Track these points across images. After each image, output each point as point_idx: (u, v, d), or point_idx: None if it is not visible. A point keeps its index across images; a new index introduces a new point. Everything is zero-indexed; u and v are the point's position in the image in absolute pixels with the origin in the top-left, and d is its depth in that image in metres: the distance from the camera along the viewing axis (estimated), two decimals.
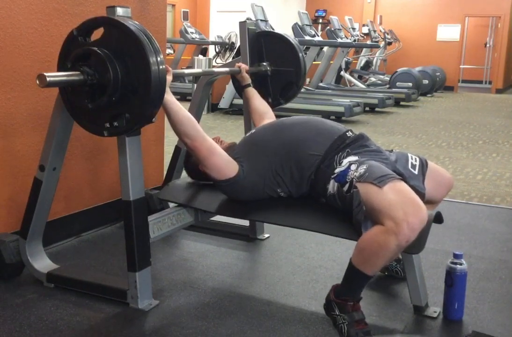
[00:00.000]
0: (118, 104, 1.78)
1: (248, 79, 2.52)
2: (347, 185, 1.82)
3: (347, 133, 2.01)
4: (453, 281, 1.93)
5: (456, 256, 1.94)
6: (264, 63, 2.63)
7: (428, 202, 2.02)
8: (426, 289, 2.02)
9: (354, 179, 1.80)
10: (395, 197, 1.70)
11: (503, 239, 2.87)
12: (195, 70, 2.52)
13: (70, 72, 1.76)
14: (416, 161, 2.03)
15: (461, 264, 1.93)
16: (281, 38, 2.66)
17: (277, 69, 2.64)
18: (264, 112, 2.45)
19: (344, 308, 1.79)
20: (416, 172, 1.98)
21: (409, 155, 2.05)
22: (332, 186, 1.89)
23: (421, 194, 1.92)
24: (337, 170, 1.89)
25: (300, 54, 2.61)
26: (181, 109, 1.94)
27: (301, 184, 1.98)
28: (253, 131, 2.18)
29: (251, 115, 2.49)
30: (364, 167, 1.81)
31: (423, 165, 2.03)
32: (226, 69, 2.62)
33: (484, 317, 2.01)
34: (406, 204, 1.67)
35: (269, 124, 2.20)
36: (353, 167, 1.85)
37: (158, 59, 1.72)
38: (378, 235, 1.68)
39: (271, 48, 2.65)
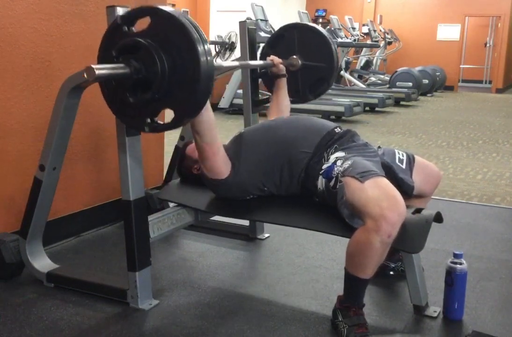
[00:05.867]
0: (162, 99, 1.64)
1: (283, 70, 2.44)
2: (333, 180, 1.84)
3: (335, 129, 2.03)
4: (453, 280, 1.93)
5: (456, 256, 1.94)
6: (295, 56, 2.50)
7: (419, 196, 2.06)
8: (426, 289, 2.02)
9: (339, 174, 1.82)
10: (372, 193, 1.70)
11: (503, 239, 2.87)
12: (233, 63, 2.47)
13: (116, 65, 1.61)
14: (403, 156, 2.06)
15: (461, 264, 1.93)
16: (314, 31, 2.53)
17: (308, 63, 2.50)
18: (282, 110, 2.43)
19: (346, 314, 1.81)
20: (403, 166, 2.02)
21: (396, 150, 2.09)
22: (320, 182, 1.91)
23: (410, 187, 1.95)
24: (324, 166, 1.92)
25: (334, 49, 2.48)
26: (212, 118, 1.88)
27: (291, 183, 2.00)
28: (242, 131, 2.18)
29: (272, 105, 2.45)
30: (349, 162, 1.84)
31: (410, 160, 2.06)
32: (261, 62, 2.48)
33: (484, 317, 2.01)
34: (382, 199, 1.67)
35: (258, 125, 2.22)
36: (339, 162, 1.87)
37: (206, 48, 1.56)
38: (361, 235, 1.69)
39: (303, 41, 2.50)
